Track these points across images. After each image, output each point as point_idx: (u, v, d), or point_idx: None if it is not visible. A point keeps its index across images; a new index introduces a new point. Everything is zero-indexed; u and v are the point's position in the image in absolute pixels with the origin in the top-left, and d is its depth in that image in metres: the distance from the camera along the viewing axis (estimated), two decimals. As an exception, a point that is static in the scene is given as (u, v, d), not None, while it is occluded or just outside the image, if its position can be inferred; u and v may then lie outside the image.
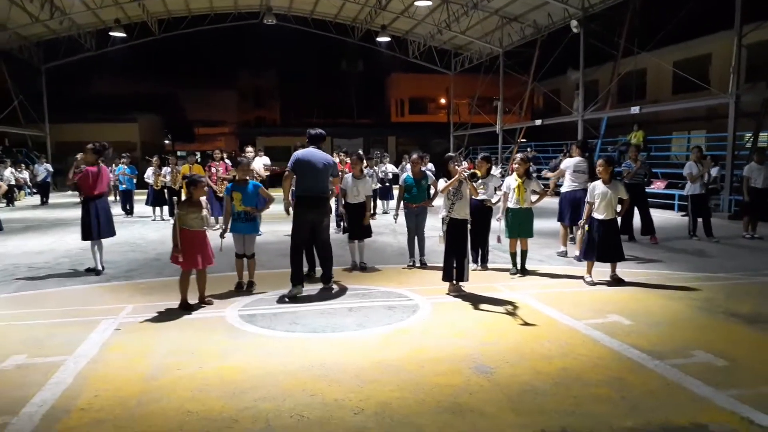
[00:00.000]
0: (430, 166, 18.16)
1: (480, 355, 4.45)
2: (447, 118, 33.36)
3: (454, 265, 6.41)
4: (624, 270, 7.21)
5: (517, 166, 7.48)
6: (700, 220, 10.35)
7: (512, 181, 7.44)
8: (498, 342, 4.79)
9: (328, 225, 6.76)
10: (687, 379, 3.95)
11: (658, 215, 13.50)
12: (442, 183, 6.56)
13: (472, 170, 6.33)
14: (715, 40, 20.49)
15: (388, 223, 11.65)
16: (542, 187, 7.80)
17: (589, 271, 6.96)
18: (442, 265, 6.55)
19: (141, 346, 4.73)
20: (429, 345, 4.73)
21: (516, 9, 21.39)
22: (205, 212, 5.83)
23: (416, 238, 8.08)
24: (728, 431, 3.25)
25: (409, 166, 18.49)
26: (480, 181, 7.54)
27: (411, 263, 8.07)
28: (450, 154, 6.87)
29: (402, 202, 8.05)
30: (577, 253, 8.04)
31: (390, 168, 16.63)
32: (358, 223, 7.83)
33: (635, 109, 17.63)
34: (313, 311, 5.75)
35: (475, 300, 6.16)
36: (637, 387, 3.84)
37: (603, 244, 6.79)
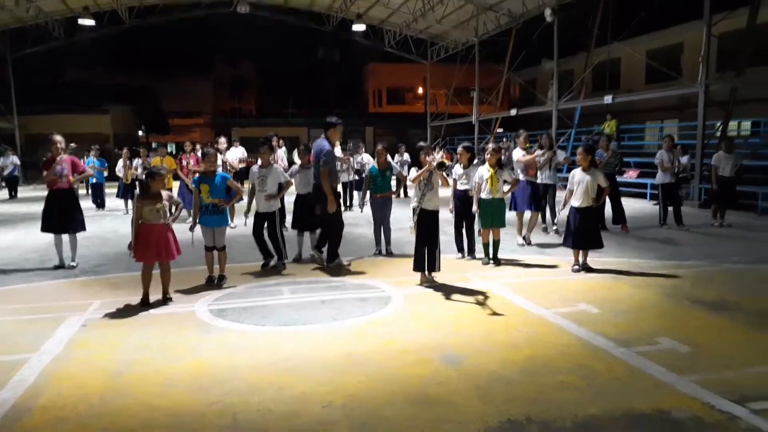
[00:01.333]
0: (407, 156, 18.20)
1: (450, 346, 4.48)
2: (424, 109, 33.34)
3: (426, 255, 6.43)
4: (594, 259, 7.31)
5: (489, 156, 7.51)
6: (671, 208, 10.51)
7: (485, 171, 7.47)
8: (468, 332, 4.82)
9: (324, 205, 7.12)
10: (651, 366, 4.01)
11: (630, 204, 13.68)
12: (413, 173, 6.57)
13: (440, 160, 6.32)
14: (687, 29, 20.72)
15: (363, 215, 11.62)
16: (513, 176, 7.87)
17: (576, 259, 7.05)
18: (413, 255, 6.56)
19: (107, 342, 4.66)
20: (400, 336, 4.74)
21: (491, -2, 21.40)
22: (163, 204, 5.69)
23: (382, 227, 8.14)
24: (690, 416, 3.31)
25: (406, 155, 18.50)
26: (463, 171, 7.62)
27: (377, 251, 8.17)
28: (421, 144, 6.87)
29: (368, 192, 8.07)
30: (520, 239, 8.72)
31: (366, 158, 16.57)
32: (305, 214, 7.74)
33: (608, 99, 17.80)
34: (284, 304, 5.73)
35: (447, 290, 6.19)
36: (602, 374, 3.90)
37: (578, 231, 6.88)
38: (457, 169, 7.78)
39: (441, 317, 5.27)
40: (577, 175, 6.97)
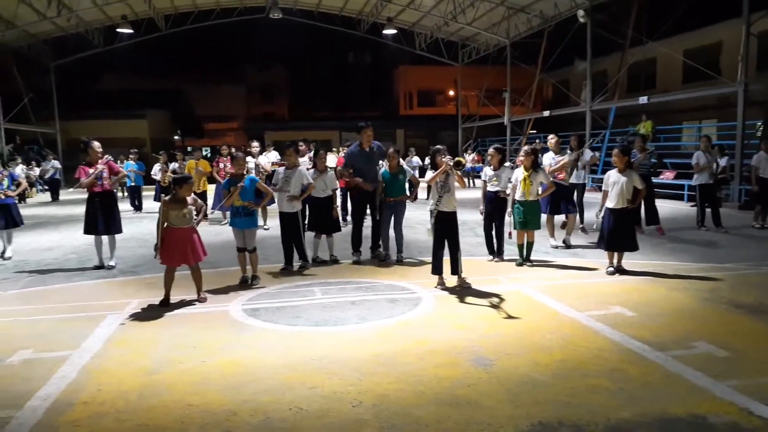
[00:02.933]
0: (416, 159, 18.18)
1: (480, 348, 4.47)
2: (455, 110, 33.22)
3: (445, 258, 6.40)
4: (630, 261, 7.18)
5: (522, 158, 7.47)
6: (709, 210, 10.26)
7: (519, 173, 7.43)
8: (498, 334, 4.80)
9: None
10: (687, 370, 3.94)
11: (667, 206, 13.44)
12: (429, 175, 6.62)
13: (456, 159, 6.30)
14: (726, 28, 20.19)
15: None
16: (550, 179, 7.78)
17: (611, 261, 6.96)
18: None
19: (144, 341, 4.79)
20: (429, 337, 4.75)
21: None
22: (189, 209, 5.79)
23: (393, 231, 7.99)
24: (726, 422, 3.24)
25: (416, 159, 18.54)
26: (494, 173, 7.58)
27: (385, 255, 8.00)
28: (438, 147, 6.78)
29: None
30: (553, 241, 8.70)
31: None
32: (322, 218, 7.79)
33: (643, 99, 17.48)
34: (316, 305, 5.79)
35: (478, 292, 6.17)
36: (635, 378, 3.84)
37: (612, 233, 6.80)
38: (488, 171, 7.75)
39: (471, 319, 5.25)
40: (613, 176, 6.88)
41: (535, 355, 4.29)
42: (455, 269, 6.44)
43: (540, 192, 7.51)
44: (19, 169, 20.00)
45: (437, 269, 6.46)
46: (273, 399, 3.63)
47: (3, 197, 8.34)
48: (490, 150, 7.81)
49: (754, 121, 15.63)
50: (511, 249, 7.80)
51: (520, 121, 26.26)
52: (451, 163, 6.25)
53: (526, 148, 7.66)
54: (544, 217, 8.20)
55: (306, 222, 8.11)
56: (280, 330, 5.03)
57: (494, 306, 5.66)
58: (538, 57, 24.33)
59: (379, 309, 5.60)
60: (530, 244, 7.53)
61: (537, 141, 22.82)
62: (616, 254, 6.95)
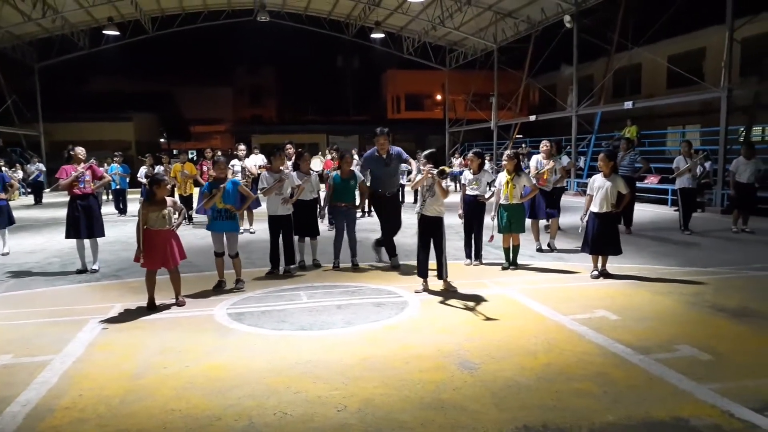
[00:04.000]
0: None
1: (465, 351, 4.47)
2: (443, 115, 33.33)
3: (426, 261, 6.40)
4: (614, 265, 7.24)
5: (505, 162, 7.50)
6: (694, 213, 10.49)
7: (502, 177, 7.47)
8: (484, 338, 4.80)
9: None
10: (670, 374, 3.96)
11: (651, 210, 13.56)
12: (415, 178, 6.59)
13: (440, 168, 6.24)
14: (710, 34, 20.48)
15: (370, 220, 11.65)
16: (533, 182, 7.83)
17: (595, 265, 7.00)
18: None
19: (128, 345, 4.73)
20: (415, 342, 4.74)
21: (510, 4, 21.38)
22: (168, 210, 5.74)
23: (348, 237, 7.87)
24: (709, 425, 3.26)
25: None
26: (474, 177, 7.62)
27: (336, 264, 7.76)
28: (423, 154, 6.75)
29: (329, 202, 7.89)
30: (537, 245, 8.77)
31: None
32: (307, 221, 7.77)
33: (629, 104, 17.64)
34: (301, 309, 5.76)
35: (464, 296, 6.18)
36: (620, 381, 3.86)
37: (596, 237, 6.84)
38: (467, 174, 7.78)
39: (457, 323, 5.25)
40: (597, 180, 6.93)
41: (520, 359, 4.30)
42: (441, 273, 6.44)
43: (524, 195, 7.54)
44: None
45: (422, 272, 6.47)
46: (257, 403, 3.60)
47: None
48: (470, 154, 7.86)
49: (737, 126, 15.83)
50: (490, 252, 7.83)
51: (506, 126, 26.40)
52: (434, 171, 6.20)
53: (508, 152, 7.68)
54: (528, 220, 8.24)
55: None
56: (265, 334, 5.00)
57: (480, 310, 5.66)
58: (525, 62, 24.51)
59: (365, 313, 5.59)
60: (516, 248, 7.56)
61: (523, 145, 22.96)
62: (600, 258, 7.00)
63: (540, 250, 8.67)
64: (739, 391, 3.65)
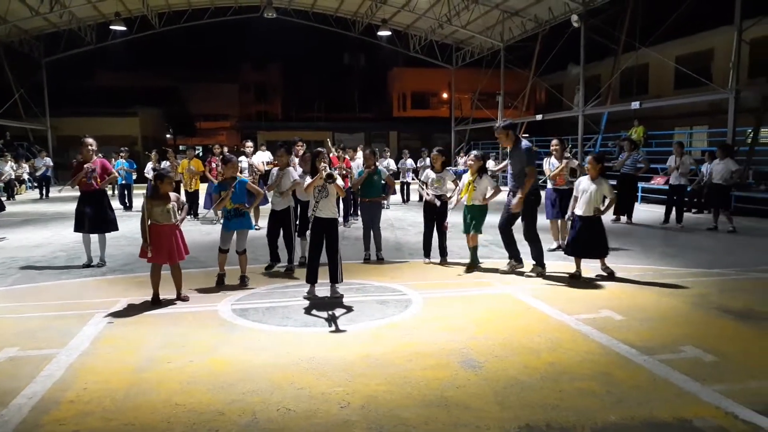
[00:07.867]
0: (410, 162, 18.29)
1: (469, 350, 4.47)
2: (449, 113, 33.29)
3: (318, 266, 6.07)
4: (618, 265, 7.22)
5: (471, 163, 7.46)
6: (687, 210, 10.70)
7: (465, 178, 7.44)
8: (488, 336, 4.80)
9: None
10: (674, 374, 3.96)
11: (657, 210, 13.52)
12: (307, 180, 6.13)
13: (328, 172, 5.76)
14: (718, 35, 20.40)
15: (385, 218, 11.66)
16: (495, 184, 7.69)
17: (577, 266, 6.96)
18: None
19: (133, 340, 4.76)
20: (419, 339, 4.75)
21: (517, 3, 21.33)
22: (172, 205, 5.77)
23: (371, 232, 8.05)
24: (712, 426, 3.25)
25: (409, 161, 18.59)
26: (437, 176, 7.60)
27: (367, 256, 8.04)
28: (319, 149, 6.30)
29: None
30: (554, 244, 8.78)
31: (390, 163, 16.67)
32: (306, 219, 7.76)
33: (635, 104, 17.57)
34: (305, 305, 5.77)
35: (468, 295, 6.18)
36: (623, 382, 3.85)
37: (580, 240, 6.82)
38: (430, 173, 7.75)
39: (461, 321, 5.25)
40: (583, 183, 6.89)
41: (523, 358, 4.30)
42: (335, 277, 6.09)
43: (487, 196, 7.44)
44: (8, 167, 19.91)
45: (310, 277, 6.08)
46: (261, 399, 3.61)
47: None
48: (434, 152, 7.80)
49: (745, 127, 15.76)
50: (495, 252, 7.81)
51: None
52: (323, 175, 5.75)
53: (476, 152, 7.61)
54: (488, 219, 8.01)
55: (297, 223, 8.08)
56: (270, 330, 5.01)
57: (484, 309, 5.66)
58: (532, 61, 24.44)
59: (369, 310, 5.59)
60: (474, 248, 7.49)
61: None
62: (600, 260, 6.95)
63: (550, 250, 8.62)
64: (744, 393, 3.64)
